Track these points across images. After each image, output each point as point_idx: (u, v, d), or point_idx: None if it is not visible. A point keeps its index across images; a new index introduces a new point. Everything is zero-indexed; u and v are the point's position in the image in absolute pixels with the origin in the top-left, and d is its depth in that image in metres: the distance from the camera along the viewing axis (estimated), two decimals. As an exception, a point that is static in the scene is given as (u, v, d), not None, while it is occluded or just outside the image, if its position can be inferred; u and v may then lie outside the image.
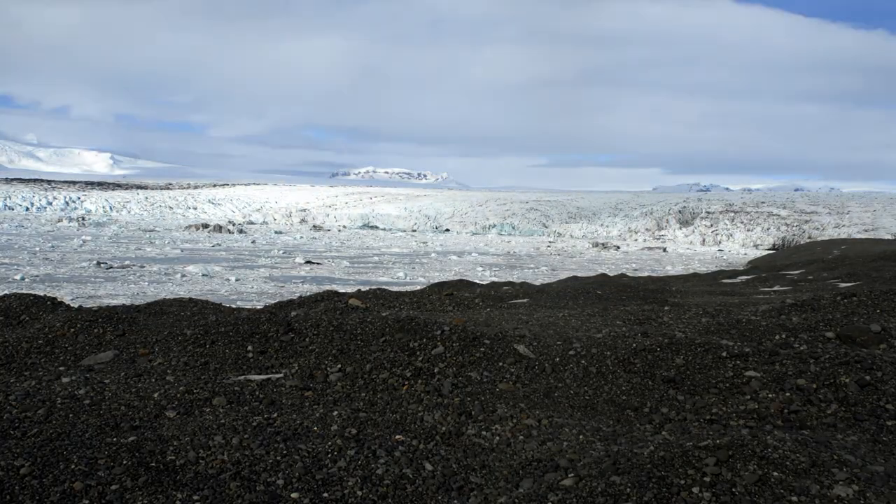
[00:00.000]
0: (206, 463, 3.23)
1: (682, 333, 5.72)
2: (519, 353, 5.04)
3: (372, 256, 34.31)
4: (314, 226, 69.76)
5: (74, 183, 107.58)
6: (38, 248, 28.24)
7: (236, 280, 20.43)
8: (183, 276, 20.77)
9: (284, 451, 3.38)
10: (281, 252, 33.47)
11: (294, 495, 3.01)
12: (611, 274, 23.80)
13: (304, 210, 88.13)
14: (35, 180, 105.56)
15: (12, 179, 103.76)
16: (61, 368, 4.96)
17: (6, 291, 8.23)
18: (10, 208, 72.09)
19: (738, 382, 4.39)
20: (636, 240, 74.22)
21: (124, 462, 3.20)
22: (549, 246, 54.16)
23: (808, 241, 61.29)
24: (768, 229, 73.17)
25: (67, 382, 4.41)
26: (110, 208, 78.56)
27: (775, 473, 2.72)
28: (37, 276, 18.89)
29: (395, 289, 11.27)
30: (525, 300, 10.37)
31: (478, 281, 17.58)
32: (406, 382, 4.57)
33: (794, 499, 2.57)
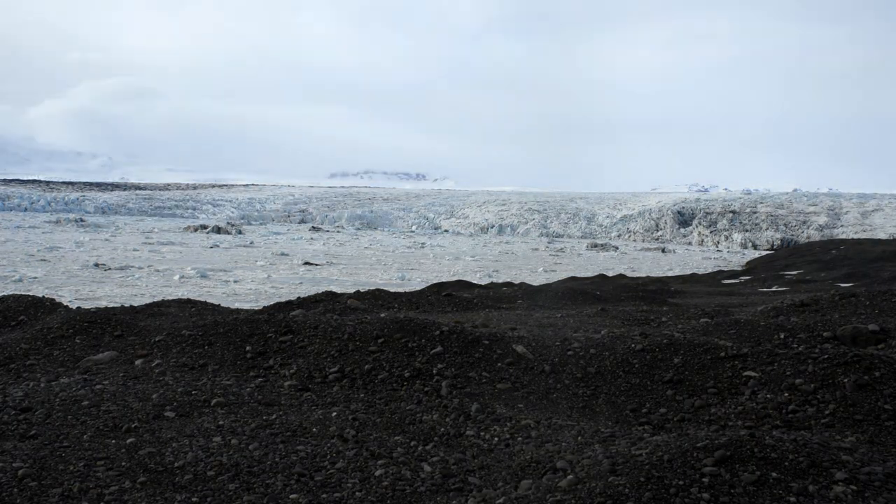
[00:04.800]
0: (205, 464, 3.23)
1: (680, 334, 5.72)
2: (518, 353, 5.04)
3: (370, 257, 34.32)
4: (313, 226, 69.76)
5: (73, 184, 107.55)
6: (36, 249, 28.21)
7: (235, 281, 20.42)
8: (181, 277, 20.75)
9: (283, 453, 3.38)
10: (279, 253, 33.46)
11: (293, 496, 3.01)
12: (609, 274, 23.84)
13: (303, 211, 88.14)
14: (33, 181, 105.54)
15: (11, 180, 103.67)
16: (60, 369, 4.96)
17: (5, 292, 8.22)
18: (8, 209, 72.02)
19: (737, 383, 4.40)
20: (634, 240, 74.30)
21: (123, 463, 3.20)
22: (547, 246, 54.17)
23: (806, 241, 61.41)
24: (767, 230, 73.25)
25: (66, 384, 4.41)
26: (108, 209, 78.50)
27: (774, 474, 2.72)
28: (35, 277, 18.86)
29: (394, 289, 11.27)
30: (524, 301, 10.38)
31: (476, 281, 17.60)
32: (405, 383, 4.57)
33: (793, 499, 2.57)
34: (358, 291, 9.86)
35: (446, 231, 77.66)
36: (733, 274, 25.76)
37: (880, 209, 76.42)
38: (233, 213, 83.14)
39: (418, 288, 14.35)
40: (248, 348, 5.30)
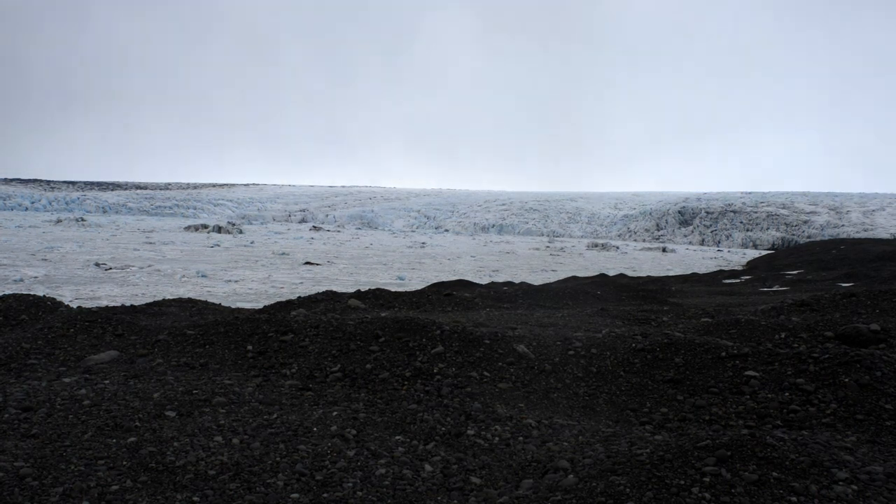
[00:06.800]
0: (206, 463, 3.23)
1: (681, 333, 5.72)
2: (519, 353, 5.04)
3: (371, 257, 34.32)
4: (314, 226, 69.76)
5: (74, 183, 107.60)
6: (36, 249, 28.23)
7: (235, 281, 20.42)
8: (182, 276, 20.76)
9: (284, 452, 3.38)
10: (280, 252, 33.47)
11: (294, 496, 3.01)
12: (610, 274, 23.83)
13: (304, 210, 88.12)
14: (34, 180, 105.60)
15: (12, 180, 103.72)
16: (62, 369, 4.96)
17: (6, 292, 8.22)
18: (9, 208, 72.03)
19: (738, 382, 4.40)
20: (635, 240, 74.28)
21: (124, 463, 3.20)
22: (548, 246, 54.17)
23: (807, 241, 61.37)
24: (767, 229, 73.20)
25: (68, 383, 4.41)
26: (109, 209, 78.50)
27: (775, 473, 2.72)
28: (36, 276, 18.87)
29: (395, 289, 11.27)
30: (524, 300, 10.38)
31: (477, 281, 17.59)
32: (406, 382, 4.57)
33: (794, 499, 2.57)
34: (359, 291, 9.85)
35: (447, 231, 77.63)
36: (734, 273, 25.75)
37: (882, 209, 76.34)
38: (233, 212, 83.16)
39: (419, 287, 14.35)
40: (249, 348, 5.31)
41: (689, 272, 28.78)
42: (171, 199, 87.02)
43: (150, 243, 35.92)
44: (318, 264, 27.82)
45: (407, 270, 26.50)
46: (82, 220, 54.80)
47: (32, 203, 75.15)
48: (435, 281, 18.37)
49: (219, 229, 52.29)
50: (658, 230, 77.74)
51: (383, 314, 6.83)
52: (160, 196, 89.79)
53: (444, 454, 3.48)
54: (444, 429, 3.79)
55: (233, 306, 9.68)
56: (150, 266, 23.56)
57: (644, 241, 72.64)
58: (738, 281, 21.49)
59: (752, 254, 53.37)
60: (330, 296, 9.30)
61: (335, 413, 3.96)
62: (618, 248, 54.89)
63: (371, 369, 4.78)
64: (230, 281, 20.26)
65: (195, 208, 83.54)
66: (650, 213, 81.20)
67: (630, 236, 77.14)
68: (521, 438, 3.70)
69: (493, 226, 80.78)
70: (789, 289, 17.00)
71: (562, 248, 51.30)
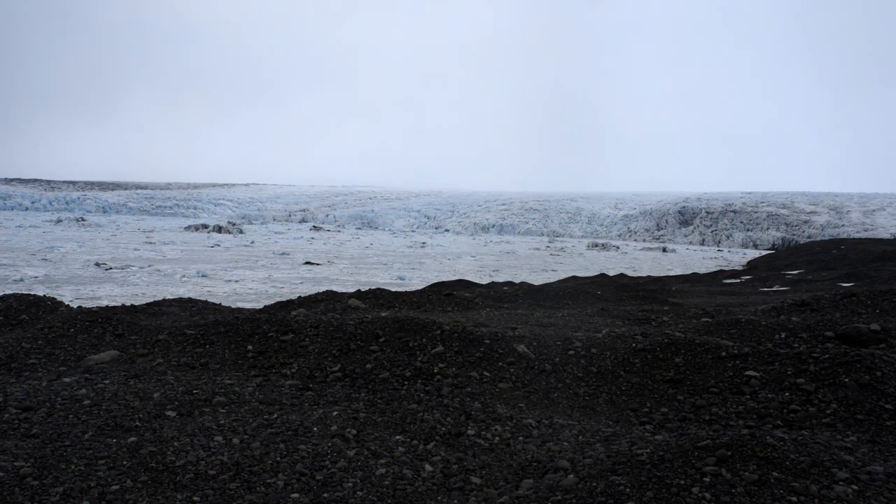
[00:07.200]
0: (207, 463, 3.23)
1: (681, 333, 5.72)
2: (519, 353, 5.04)
3: (371, 257, 34.33)
4: (314, 226, 69.77)
5: (74, 183, 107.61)
6: (37, 249, 28.23)
7: (236, 280, 20.42)
8: (182, 276, 20.76)
9: (284, 452, 3.38)
10: (280, 252, 33.48)
11: (294, 496, 3.01)
12: (610, 274, 23.83)
13: (304, 210, 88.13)
14: (35, 180, 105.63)
15: (12, 179, 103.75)
16: (62, 369, 4.96)
17: (6, 292, 8.22)
18: (9, 208, 72.06)
19: (738, 382, 4.40)
20: (636, 240, 74.28)
21: (124, 462, 3.20)
22: (548, 246, 54.18)
23: (807, 241, 61.37)
24: (768, 229, 73.19)
25: (68, 383, 4.41)
26: (109, 208, 78.51)
27: (775, 473, 2.72)
28: (36, 276, 18.88)
29: (395, 289, 11.27)
30: (524, 300, 10.38)
31: (477, 281, 17.59)
32: (406, 382, 4.57)
33: (794, 499, 2.57)
34: (359, 291, 9.85)
35: (447, 230, 77.63)
36: (734, 273, 25.77)
37: (882, 209, 76.34)
38: (233, 212, 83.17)
39: (419, 287, 14.36)
40: (249, 347, 5.31)
41: (689, 272, 28.80)
42: (171, 199, 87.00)
43: (151, 243, 35.93)
44: (318, 264, 27.82)
45: (407, 270, 26.50)
46: (82, 219, 54.82)
47: (33, 203, 75.16)
48: (435, 281, 18.39)
49: (219, 229, 52.32)
50: (658, 230, 77.75)
51: (383, 314, 6.83)
52: (160, 196, 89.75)
53: (445, 454, 3.48)
54: (444, 429, 3.79)
55: (233, 306, 9.68)
56: (150, 266, 23.57)
57: (644, 241, 72.66)
58: (738, 281, 21.50)
59: (753, 254, 53.40)
60: (330, 296, 9.31)
61: (335, 413, 3.96)
62: (618, 248, 54.91)
63: (371, 369, 4.78)
64: (230, 281, 20.27)
65: (195, 208, 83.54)
66: (650, 213, 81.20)
67: (630, 236, 77.16)
68: (521, 438, 3.70)
69: (494, 226, 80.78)
70: (789, 289, 17.01)
71: (562, 248, 51.32)
